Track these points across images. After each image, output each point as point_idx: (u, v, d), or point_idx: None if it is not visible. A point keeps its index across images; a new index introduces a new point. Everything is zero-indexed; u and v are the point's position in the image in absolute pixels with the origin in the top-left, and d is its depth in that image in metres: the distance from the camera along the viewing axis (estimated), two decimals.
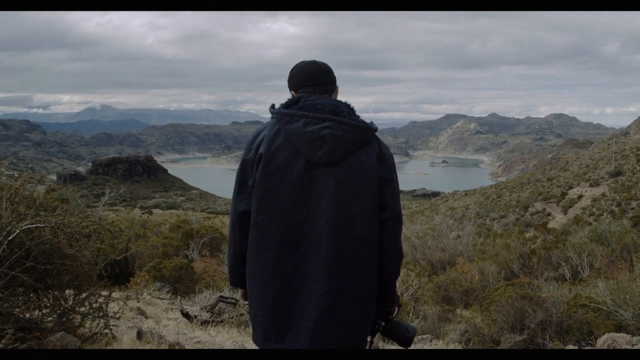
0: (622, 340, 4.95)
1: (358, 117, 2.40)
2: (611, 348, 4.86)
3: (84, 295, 3.41)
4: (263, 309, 2.30)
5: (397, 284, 6.97)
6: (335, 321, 2.24)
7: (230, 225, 2.45)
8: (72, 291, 3.47)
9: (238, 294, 2.65)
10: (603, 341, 5.08)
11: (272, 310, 2.28)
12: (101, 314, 3.45)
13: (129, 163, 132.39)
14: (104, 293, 3.68)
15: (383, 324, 2.48)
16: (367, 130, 2.34)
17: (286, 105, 2.38)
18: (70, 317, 3.41)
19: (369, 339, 2.45)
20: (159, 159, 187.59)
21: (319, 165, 2.27)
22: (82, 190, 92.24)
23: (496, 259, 11.52)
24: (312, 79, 2.46)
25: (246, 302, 2.50)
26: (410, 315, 7.69)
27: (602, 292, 7.08)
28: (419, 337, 7.05)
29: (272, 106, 2.41)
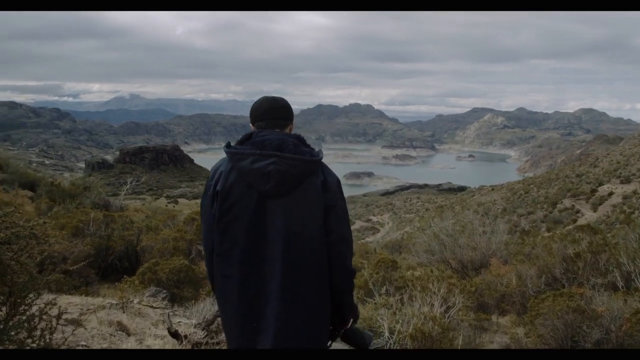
0: None
1: (307, 147, 2.56)
2: None
3: (13, 320, 2.51)
4: (236, 329, 2.49)
5: (437, 304, 6.02)
6: (290, 339, 2.41)
7: (206, 257, 2.70)
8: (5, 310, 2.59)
9: None
10: None
11: (243, 331, 2.45)
12: (42, 342, 2.57)
13: (155, 152, 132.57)
14: (55, 309, 2.79)
15: (342, 331, 2.73)
16: (311, 163, 2.50)
17: (240, 142, 2.58)
18: None
19: (328, 344, 2.69)
20: (185, 149, 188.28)
21: (269, 197, 2.45)
22: (110, 178, 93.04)
23: (536, 261, 10.45)
24: (267, 114, 2.64)
25: None
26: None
27: None
28: None
29: (228, 144, 2.58)
